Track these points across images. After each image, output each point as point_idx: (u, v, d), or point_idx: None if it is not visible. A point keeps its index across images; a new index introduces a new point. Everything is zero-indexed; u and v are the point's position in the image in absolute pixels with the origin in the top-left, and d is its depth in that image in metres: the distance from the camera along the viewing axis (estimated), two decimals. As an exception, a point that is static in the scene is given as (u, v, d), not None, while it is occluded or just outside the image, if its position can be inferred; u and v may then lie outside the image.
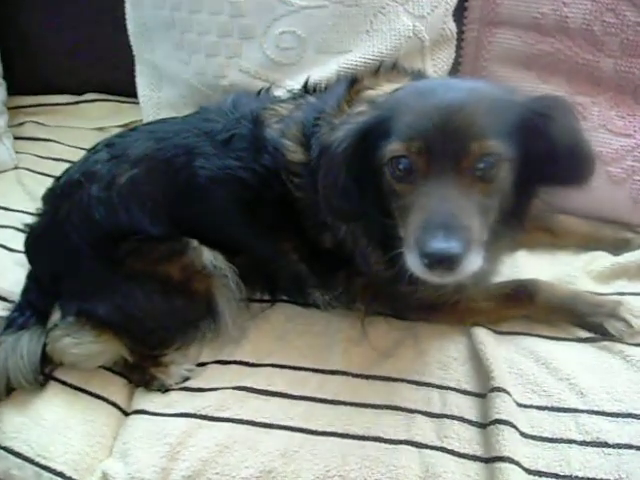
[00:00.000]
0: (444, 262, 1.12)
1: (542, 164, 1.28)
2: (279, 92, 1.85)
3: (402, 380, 1.53)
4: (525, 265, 1.80)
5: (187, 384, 1.63)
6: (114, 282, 1.60)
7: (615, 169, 1.87)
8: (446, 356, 1.57)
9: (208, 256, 1.62)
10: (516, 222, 1.41)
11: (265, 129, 1.63)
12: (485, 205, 1.22)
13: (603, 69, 1.86)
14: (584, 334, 1.59)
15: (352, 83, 1.60)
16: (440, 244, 1.10)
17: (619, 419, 1.40)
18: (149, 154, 1.66)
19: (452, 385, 1.51)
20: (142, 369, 1.67)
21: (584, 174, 1.33)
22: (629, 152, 1.86)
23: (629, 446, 1.35)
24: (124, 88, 2.42)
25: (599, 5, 1.81)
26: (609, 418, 1.41)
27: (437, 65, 1.99)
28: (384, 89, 1.50)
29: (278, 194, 1.59)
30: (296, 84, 1.83)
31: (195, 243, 1.62)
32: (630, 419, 1.40)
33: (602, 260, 1.81)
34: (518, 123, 1.26)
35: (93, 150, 1.76)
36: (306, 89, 1.75)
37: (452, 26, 1.96)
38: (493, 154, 1.20)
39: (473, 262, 1.16)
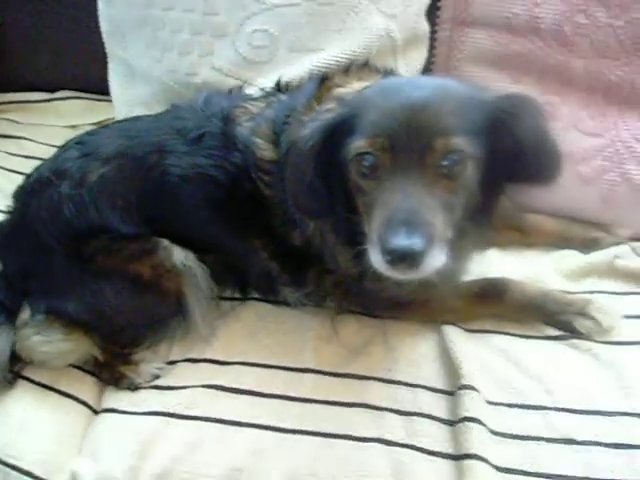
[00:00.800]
0: (406, 259, 1.10)
1: (509, 162, 1.28)
2: (252, 91, 1.84)
3: (372, 378, 1.53)
4: (495, 263, 1.80)
5: (157, 382, 1.63)
6: (84, 280, 1.59)
7: (585, 168, 1.88)
8: (416, 354, 1.58)
9: (179, 255, 1.62)
10: (483, 220, 1.41)
11: (236, 127, 1.63)
12: (450, 202, 1.22)
13: (574, 69, 1.87)
14: (553, 332, 1.61)
15: (322, 81, 1.59)
16: (402, 241, 1.09)
17: (587, 416, 1.42)
18: (120, 152, 1.64)
19: (422, 383, 1.52)
20: (112, 367, 1.66)
21: (552, 173, 1.33)
22: (599, 152, 1.87)
23: (597, 443, 1.37)
24: (97, 86, 2.40)
25: (570, 6, 1.82)
26: (577, 415, 1.42)
27: (409, 64, 1.98)
28: (354, 87, 1.50)
29: (248, 192, 1.59)
30: (269, 82, 1.82)
31: (166, 242, 1.62)
32: (598, 416, 1.41)
33: (572, 259, 1.82)
34: (485, 121, 1.25)
35: (64, 148, 1.75)
36: (278, 87, 1.74)
37: (424, 25, 1.97)
38: (458, 151, 1.20)
39: (436, 259, 1.15)
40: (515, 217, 1.91)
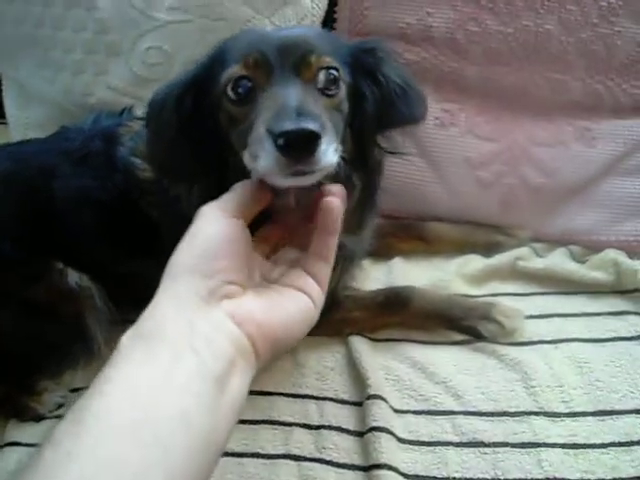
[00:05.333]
0: (301, 139, 0.97)
1: (376, 104, 1.26)
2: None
3: (280, 394, 1.52)
4: (400, 272, 1.82)
5: (61, 411, 1.57)
6: (-24, 309, 1.53)
7: (484, 173, 1.92)
8: (323, 366, 1.57)
9: (73, 277, 1.57)
10: (365, 177, 1.37)
11: (117, 147, 1.60)
12: (331, 119, 1.12)
13: (468, 76, 1.91)
14: (459, 337, 1.62)
15: None
16: (295, 121, 0.97)
17: (494, 418, 1.43)
18: (7, 175, 1.60)
19: (330, 395, 1.50)
20: (13, 399, 1.59)
21: (419, 111, 1.32)
22: (497, 156, 1.91)
23: (504, 444, 1.37)
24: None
25: (461, 14, 1.86)
26: (485, 418, 1.43)
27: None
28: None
29: (135, 214, 1.55)
30: (165, 100, 1.79)
31: (60, 265, 1.57)
32: (505, 417, 1.42)
33: (475, 263, 1.85)
34: (349, 58, 1.24)
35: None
36: None
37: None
38: (331, 68, 1.16)
39: (330, 152, 1.03)
40: (417, 226, 1.94)
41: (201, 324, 0.85)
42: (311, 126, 0.96)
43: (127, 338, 0.85)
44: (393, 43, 1.86)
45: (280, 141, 0.96)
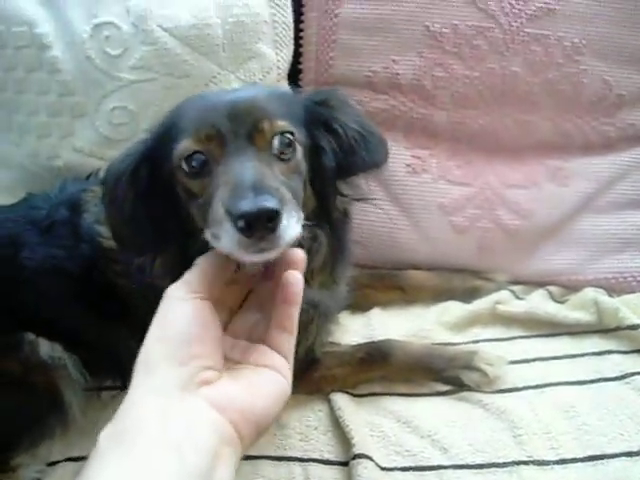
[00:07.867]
0: (261, 219, 0.96)
1: (335, 155, 1.26)
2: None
3: (263, 457, 1.46)
4: (379, 323, 1.80)
5: (38, 487, 1.52)
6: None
7: (458, 218, 1.92)
8: (306, 426, 1.53)
9: (46, 348, 1.53)
10: (332, 229, 1.36)
11: (82, 215, 1.58)
12: (289, 185, 1.12)
13: (437, 122, 1.92)
14: (442, 387, 1.60)
15: None
16: (253, 201, 0.96)
17: (483, 470, 1.39)
18: None
19: (314, 456, 1.46)
20: (-15, 478, 1.55)
21: (380, 155, 1.32)
22: (470, 200, 1.91)
23: (495, 497, 1.34)
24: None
25: (427, 61, 1.87)
26: (473, 470, 1.39)
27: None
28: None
29: (105, 283, 1.53)
30: (132, 161, 1.77)
31: (31, 336, 1.53)
32: (494, 469, 1.39)
33: (454, 310, 1.84)
34: (304, 114, 1.24)
35: None
36: None
37: (287, 89, 1.95)
38: (286, 132, 1.14)
39: (292, 225, 1.01)
40: (394, 275, 1.93)
41: (181, 418, 0.82)
42: (270, 204, 0.95)
43: (105, 437, 0.79)
44: (360, 92, 1.90)
45: (240, 223, 0.95)
